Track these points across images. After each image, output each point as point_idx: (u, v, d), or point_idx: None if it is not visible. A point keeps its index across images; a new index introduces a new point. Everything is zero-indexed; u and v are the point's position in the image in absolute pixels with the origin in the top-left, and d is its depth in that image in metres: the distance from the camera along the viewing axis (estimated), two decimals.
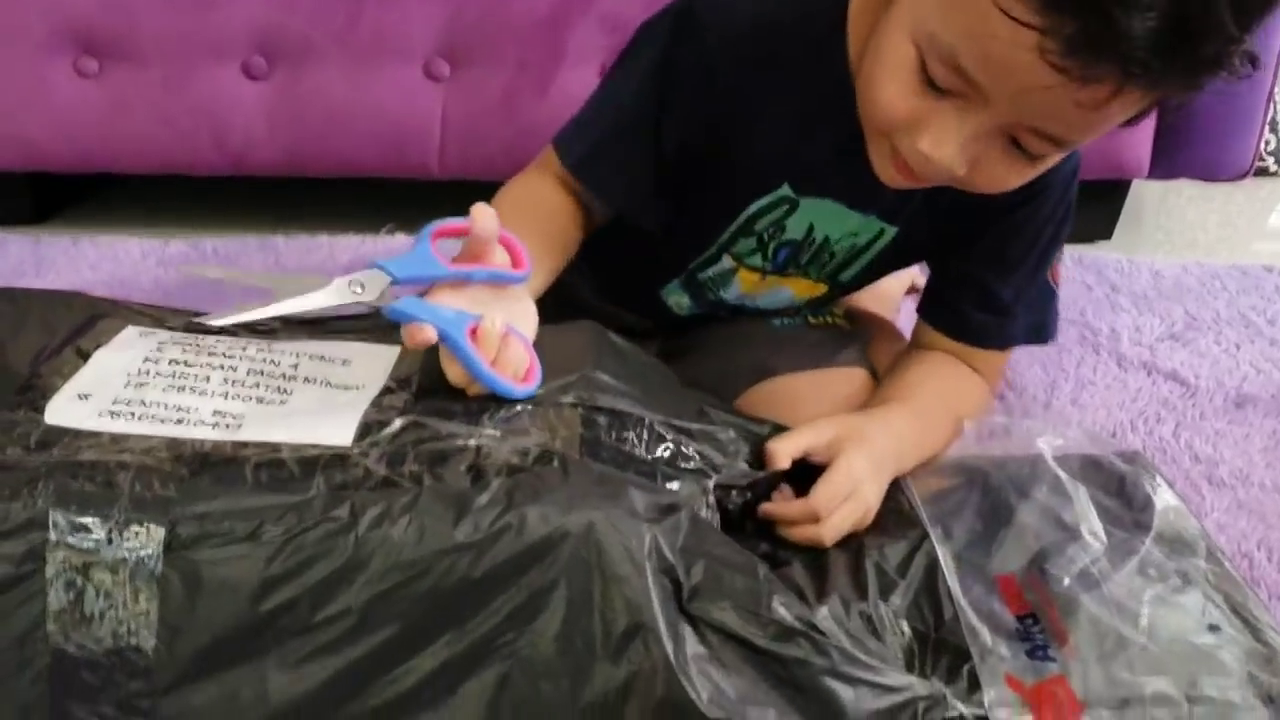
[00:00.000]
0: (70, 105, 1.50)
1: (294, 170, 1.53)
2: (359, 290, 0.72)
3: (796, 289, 0.99)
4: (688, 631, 0.63)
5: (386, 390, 0.72)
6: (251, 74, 1.46)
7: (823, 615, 0.68)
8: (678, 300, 1.01)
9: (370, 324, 0.79)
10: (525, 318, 0.76)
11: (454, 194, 1.55)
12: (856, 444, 0.81)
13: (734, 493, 0.76)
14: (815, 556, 0.76)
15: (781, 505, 0.78)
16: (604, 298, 1.04)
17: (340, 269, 1.46)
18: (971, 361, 0.95)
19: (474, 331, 0.70)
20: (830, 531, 0.77)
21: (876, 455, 0.81)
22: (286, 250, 1.53)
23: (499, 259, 0.74)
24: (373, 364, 0.75)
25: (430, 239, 0.73)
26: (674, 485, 0.71)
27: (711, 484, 0.73)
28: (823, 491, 0.78)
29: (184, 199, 1.74)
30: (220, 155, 1.51)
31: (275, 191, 1.70)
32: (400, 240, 1.53)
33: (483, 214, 0.72)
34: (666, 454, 0.73)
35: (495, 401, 0.71)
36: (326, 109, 1.46)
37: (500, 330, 0.70)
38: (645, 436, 0.73)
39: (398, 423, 0.68)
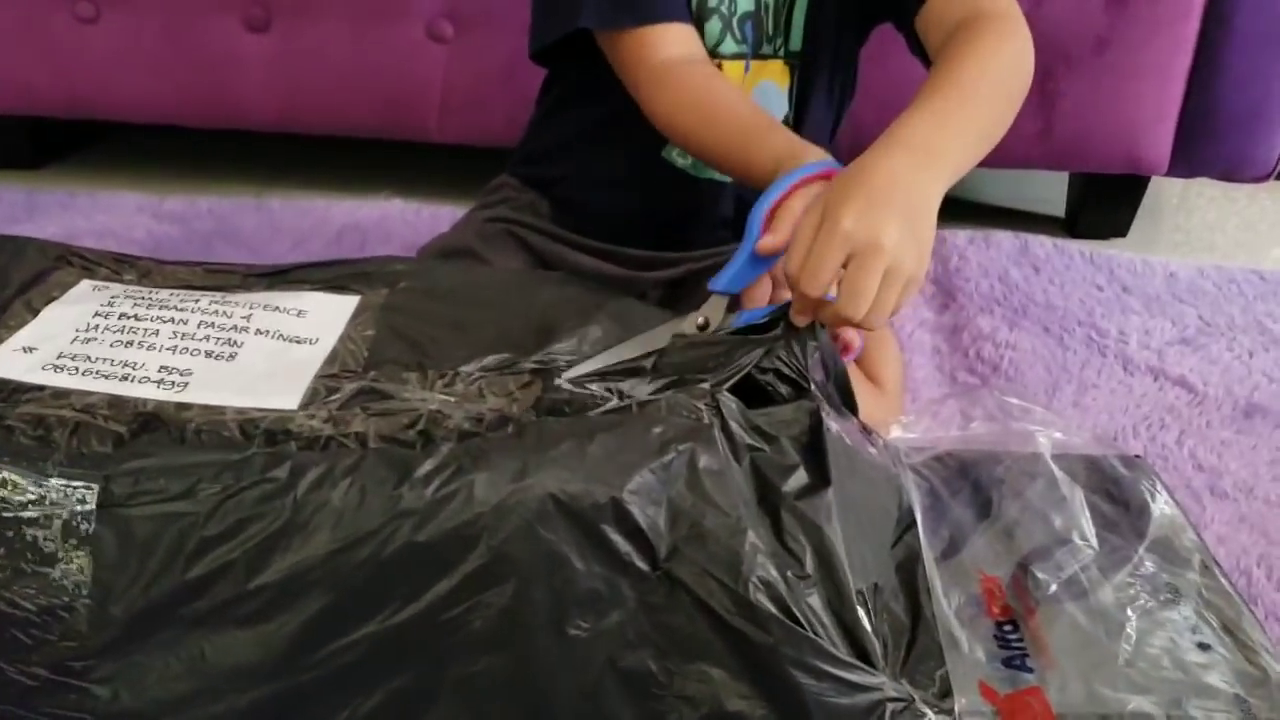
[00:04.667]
0: (68, 51, 1.47)
1: (291, 127, 1.50)
2: (704, 326, 0.74)
3: (774, 77, 0.99)
4: (652, 596, 0.61)
5: (340, 347, 0.70)
6: (252, 26, 1.42)
7: (810, 596, 0.62)
8: (681, 151, 1.00)
9: (332, 274, 0.77)
10: None
11: (453, 159, 1.53)
12: (837, 200, 0.69)
13: (757, 370, 0.70)
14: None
15: (794, 302, 0.71)
16: (603, 230, 1.05)
17: (334, 232, 1.45)
18: (974, 6, 0.85)
19: None
20: (848, 305, 0.68)
21: (874, 188, 0.69)
22: (281, 212, 1.50)
23: None
24: (329, 315, 0.73)
25: (754, 243, 0.75)
26: (660, 415, 0.64)
27: (709, 387, 0.67)
28: (804, 269, 0.69)
29: (180, 156, 1.71)
30: (217, 108, 1.49)
31: (271, 151, 1.68)
32: (395, 205, 1.50)
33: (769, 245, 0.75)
34: (645, 386, 0.69)
35: (451, 366, 0.68)
36: (326, 65, 1.43)
37: None
38: (617, 376, 0.69)
39: (348, 388, 0.66)
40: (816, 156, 0.78)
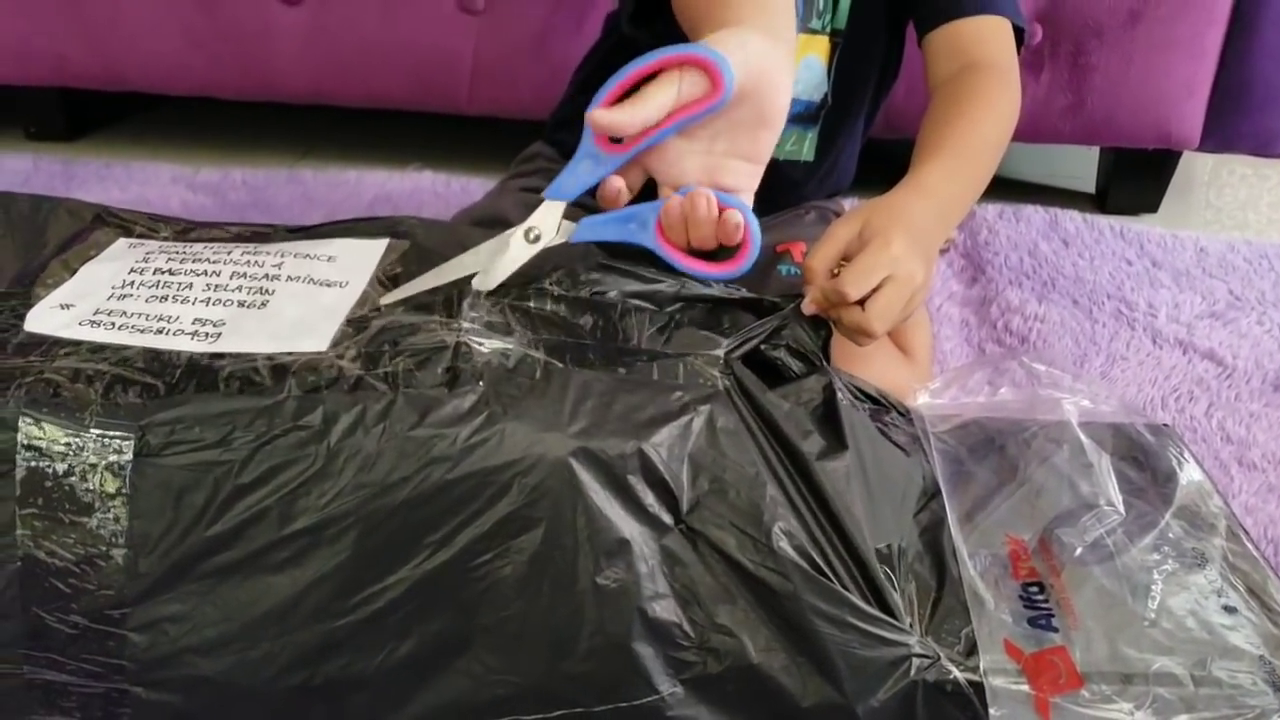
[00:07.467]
0: (102, 22, 1.49)
1: (323, 98, 1.51)
2: (536, 237, 0.71)
3: (818, 51, 1.00)
4: (677, 548, 0.62)
5: (370, 289, 0.71)
6: None
7: (832, 549, 0.64)
8: None
9: (361, 229, 0.78)
10: (752, 127, 0.70)
11: (483, 131, 1.54)
12: (888, 224, 0.76)
13: (768, 345, 0.72)
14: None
15: (811, 292, 0.74)
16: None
17: (366, 204, 1.45)
18: (981, 53, 0.92)
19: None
20: (876, 317, 0.73)
21: (915, 228, 0.76)
22: (314, 183, 1.52)
23: (691, 91, 0.67)
24: (358, 259, 0.73)
25: (593, 134, 0.68)
26: (678, 381, 0.65)
27: (722, 354, 0.68)
28: (850, 271, 0.73)
29: (214, 128, 1.73)
30: (250, 79, 1.50)
31: (304, 123, 1.69)
32: (426, 177, 1.51)
33: (602, 120, 0.67)
34: (663, 331, 0.70)
35: (475, 296, 0.69)
36: (358, 37, 1.44)
37: (679, 209, 0.70)
38: (638, 321, 0.70)
39: (376, 324, 0.67)
40: (720, 42, 0.68)
